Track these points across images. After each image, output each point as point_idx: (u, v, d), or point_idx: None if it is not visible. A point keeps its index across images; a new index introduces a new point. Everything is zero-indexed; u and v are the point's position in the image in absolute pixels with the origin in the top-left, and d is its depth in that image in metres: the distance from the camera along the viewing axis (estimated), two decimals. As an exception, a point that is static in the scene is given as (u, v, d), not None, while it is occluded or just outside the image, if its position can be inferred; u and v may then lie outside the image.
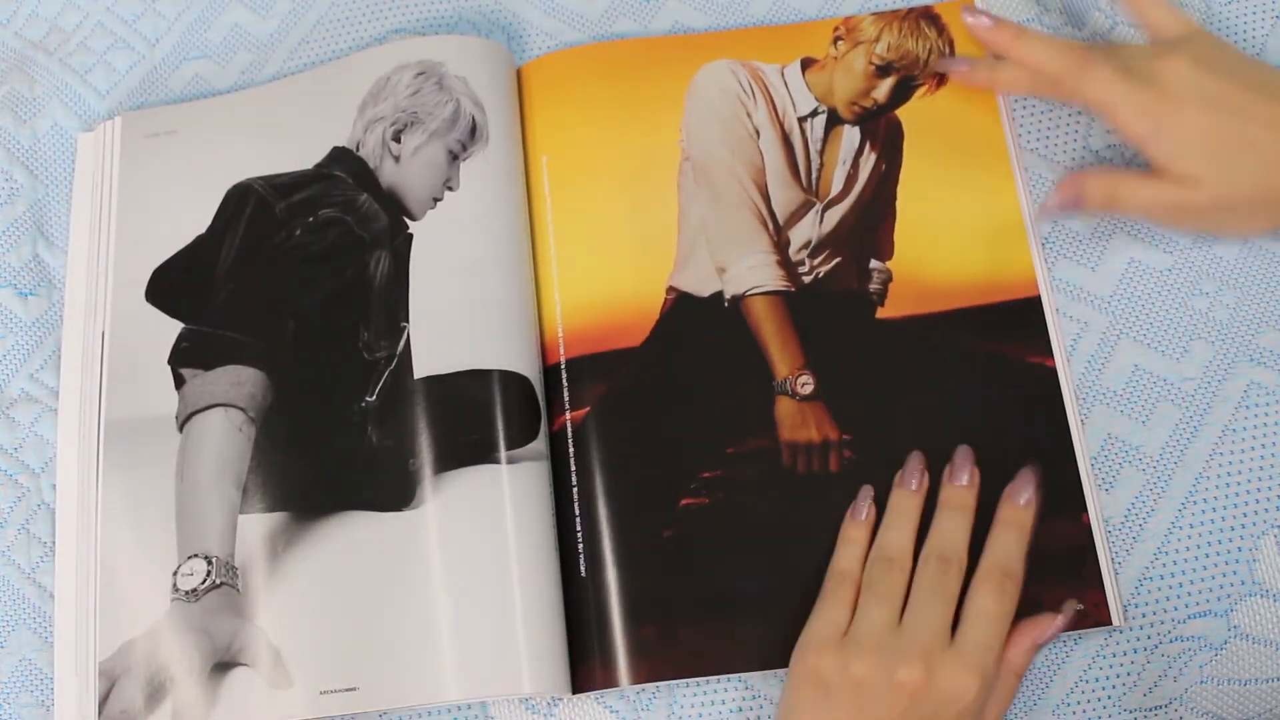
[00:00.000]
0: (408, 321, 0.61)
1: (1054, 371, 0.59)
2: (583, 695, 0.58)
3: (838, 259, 0.62)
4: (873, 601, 0.54)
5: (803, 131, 0.64)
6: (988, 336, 0.60)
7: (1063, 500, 0.57)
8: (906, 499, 0.57)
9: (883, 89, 0.65)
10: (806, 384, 0.60)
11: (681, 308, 0.62)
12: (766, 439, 0.59)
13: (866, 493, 0.57)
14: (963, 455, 0.57)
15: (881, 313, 0.61)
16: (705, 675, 0.57)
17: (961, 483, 0.56)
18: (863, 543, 0.56)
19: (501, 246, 0.62)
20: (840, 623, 0.54)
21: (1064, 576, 0.56)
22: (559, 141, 0.65)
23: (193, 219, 0.65)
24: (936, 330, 0.60)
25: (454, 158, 0.63)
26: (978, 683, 0.51)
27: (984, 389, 0.59)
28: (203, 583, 0.59)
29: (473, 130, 0.64)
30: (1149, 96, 0.56)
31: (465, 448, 0.59)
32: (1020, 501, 0.56)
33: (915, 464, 0.57)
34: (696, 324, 0.62)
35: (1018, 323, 0.60)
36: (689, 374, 0.61)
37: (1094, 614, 0.56)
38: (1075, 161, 0.63)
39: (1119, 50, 0.59)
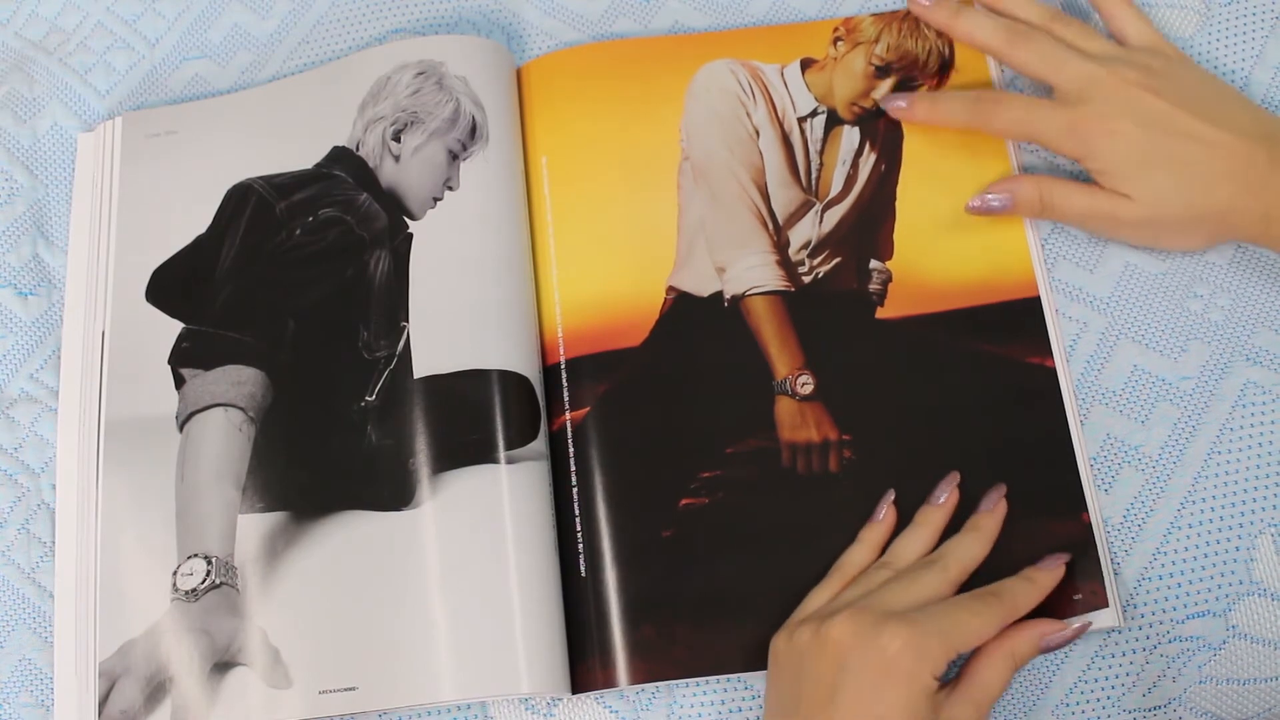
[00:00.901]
0: (407, 321, 0.61)
1: (1053, 371, 0.59)
2: (582, 695, 0.58)
3: (837, 259, 0.62)
4: (850, 587, 0.54)
5: (802, 132, 0.64)
6: (987, 337, 0.60)
7: (1062, 501, 0.57)
8: (928, 513, 0.57)
9: (882, 90, 0.65)
10: (806, 384, 0.60)
11: (681, 308, 0.62)
12: (766, 439, 0.59)
13: (887, 498, 0.57)
14: (995, 490, 0.57)
15: (881, 313, 0.61)
16: (705, 675, 0.57)
17: (986, 509, 0.56)
18: (874, 544, 0.56)
19: (501, 246, 0.62)
20: (817, 607, 0.54)
21: (1063, 577, 0.56)
22: (559, 141, 0.65)
23: (193, 219, 0.65)
24: (936, 330, 0.60)
25: (454, 157, 0.63)
26: (910, 642, 0.48)
27: (984, 389, 0.59)
28: (202, 582, 0.59)
29: (473, 130, 0.64)
30: (1076, 114, 0.57)
31: (465, 447, 0.59)
32: (1048, 567, 0.55)
33: (946, 482, 0.57)
34: (696, 324, 0.62)
35: (1017, 323, 0.60)
36: (688, 374, 0.61)
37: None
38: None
39: (1058, 52, 0.58)
